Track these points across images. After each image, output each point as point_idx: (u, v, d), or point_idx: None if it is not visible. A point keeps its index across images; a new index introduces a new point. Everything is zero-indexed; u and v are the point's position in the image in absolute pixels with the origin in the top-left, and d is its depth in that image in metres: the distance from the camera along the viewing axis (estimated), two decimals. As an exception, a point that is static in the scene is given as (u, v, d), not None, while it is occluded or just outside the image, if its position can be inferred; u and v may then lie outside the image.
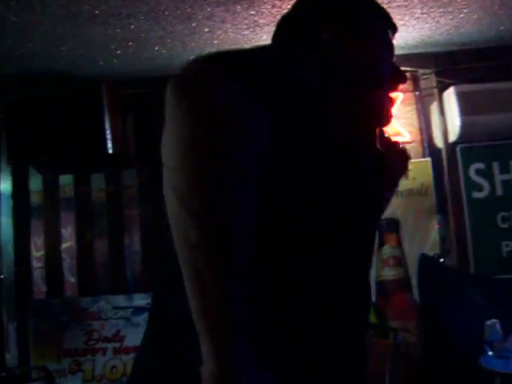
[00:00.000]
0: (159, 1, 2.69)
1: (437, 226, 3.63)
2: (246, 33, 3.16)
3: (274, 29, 3.07)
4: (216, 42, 3.23)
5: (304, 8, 1.27)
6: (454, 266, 3.57)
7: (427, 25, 3.28)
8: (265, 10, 2.90)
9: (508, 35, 3.57)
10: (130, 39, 3.12)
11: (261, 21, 3.02)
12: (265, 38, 3.23)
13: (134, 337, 3.32)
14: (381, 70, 1.22)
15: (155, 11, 2.80)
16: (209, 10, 2.84)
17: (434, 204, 3.63)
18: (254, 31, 3.14)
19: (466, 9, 3.12)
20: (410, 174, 3.60)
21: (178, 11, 2.82)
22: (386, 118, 1.26)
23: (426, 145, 3.75)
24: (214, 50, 3.28)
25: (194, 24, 2.98)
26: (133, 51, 3.29)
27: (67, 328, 3.37)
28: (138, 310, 3.36)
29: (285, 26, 1.28)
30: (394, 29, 1.28)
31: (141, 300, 3.37)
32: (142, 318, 3.34)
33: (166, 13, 2.83)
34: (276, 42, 1.29)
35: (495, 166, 3.72)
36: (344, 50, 1.19)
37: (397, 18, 3.13)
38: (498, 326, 3.12)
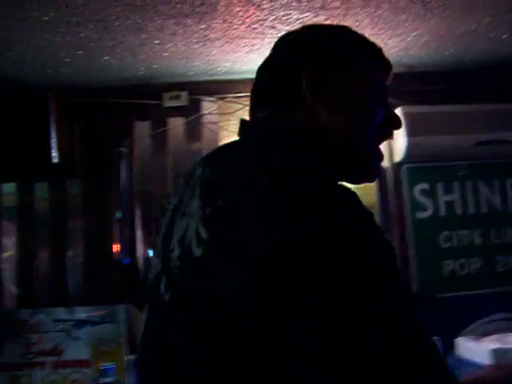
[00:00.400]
0: (109, 10, 2.66)
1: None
2: (196, 47, 3.14)
3: (223, 44, 3.10)
4: (166, 54, 3.21)
5: (283, 51, 1.16)
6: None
7: (376, 46, 3.33)
8: (216, 25, 2.90)
9: (452, 60, 3.67)
10: (80, 48, 3.07)
11: (211, 35, 3.02)
12: (215, 52, 3.23)
13: (74, 351, 3.25)
14: (371, 114, 1.09)
15: (105, 21, 2.76)
16: (159, 22, 2.82)
17: (378, 223, 3.66)
18: (204, 45, 3.13)
19: (414, 32, 3.18)
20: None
21: (129, 22, 2.79)
22: (374, 172, 1.16)
23: (371, 164, 3.78)
24: (164, 62, 3.29)
25: (144, 35, 2.96)
26: (82, 60, 3.24)
27: (5, 341, 3.28)
28: (79, 323, 3.30)
29: (265, 75, 1.16)
30: (388, 69, 1.17)
31: (82, 313, 3.31)
32: (83, 332, 3.28)
33: (116, 23, 2.79)
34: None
35: (439, 186, 3.79)
36: (328, 93, 1.06)
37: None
38: (438, 344, 3.16)
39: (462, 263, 3.76)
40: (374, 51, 1.15)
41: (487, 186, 3.87)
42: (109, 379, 3.06)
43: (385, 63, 1.16)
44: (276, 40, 1.21)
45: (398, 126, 1.15)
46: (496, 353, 2.83)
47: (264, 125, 1.09)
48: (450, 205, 3.80)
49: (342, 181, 1.04)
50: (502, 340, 3.12)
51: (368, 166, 1.12)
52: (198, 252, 0.90)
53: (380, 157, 1.14)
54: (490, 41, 3.43)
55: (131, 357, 3.17)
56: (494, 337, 3.22)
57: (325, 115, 1.05)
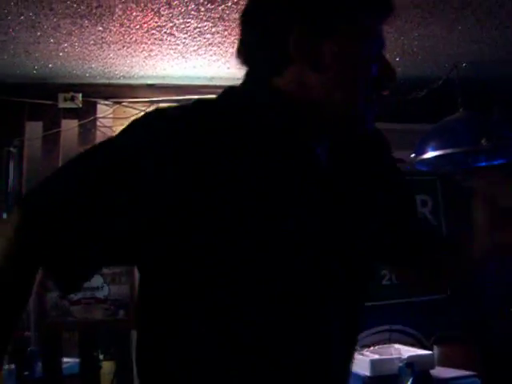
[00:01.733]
0: (1, 4, 2.56)
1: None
2: (92, 48, 3.09)
3: (120, 48, 3.04)
4: (61, 54, 3.13)
5: (269, 5, 1.04)
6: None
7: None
8: (113, 28, 2.86)
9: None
10: (-31, 40, 2.95)
11: (108, 38, 2.97)
12: (112, 55, 3.19)
13: None
14: (362, 73, 1.02)
15: (-3, 14, 2.67)
16: (55, 20, 2.75)
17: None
18: (101, 48, 3.08)
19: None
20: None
21: (22, 17, 2.71)
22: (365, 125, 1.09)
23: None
24: (59, 62, 3.20)
25: (39, 33, 2.88)
26: (-28, 53, 3.11)
27: None
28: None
29: (250, 29, 1.07)
30: (386, 10, 1.05)
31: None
32: None
33: (9, 17, 2.70)
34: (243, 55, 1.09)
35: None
36: (319, 53, 0.99)
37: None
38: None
39: (349, 276, 3.86)
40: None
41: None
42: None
43: (382, 5, 1.05)
44: None
45: (392, 79, 1.06)
46: (374, 364, 2.91)
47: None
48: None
49: (335, 135, 1.09)
50: (382, 351, 3.23)
51: (356, 124, 1.07)
52: None
53: (372, 111, 1.06)
54: (383, 62, 3.55)
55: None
56: (376, 348, 3.32)
57: (311, 77, 1.00)
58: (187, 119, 0.97)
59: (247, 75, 1.08)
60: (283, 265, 0.98)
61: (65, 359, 3.26)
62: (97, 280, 3.34)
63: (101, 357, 3.27)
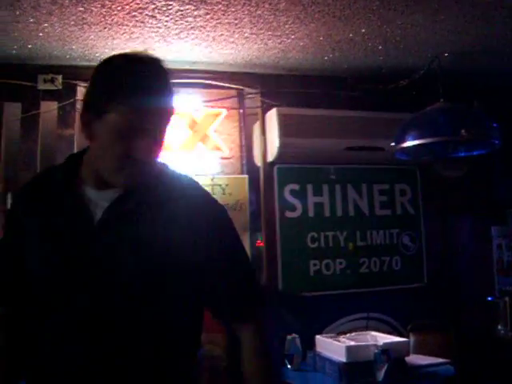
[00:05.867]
0: (-22, -19, 2.53)
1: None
2: (73, 29, 3.04)
3: (102, 29, 3.00)
4: (41, 34, 3.08)
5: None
6: (263, 281, 3.65)
7: (256, 45, 3.38)
8: (94, 9, 2.82)
9: (330, 66, 3.78)
10: None
11: (89, 19, 2.93)
12: (93, 37, 3.15)
13: None
14: (112, 144, 1.39)
15: (-26, -8, 2.62)
16: (35, -1, 2.71)
17: (247, 220, 3.73)
18: (82, 29, 3.04)
19: (293, 35, 3.25)
20: (226, 189, 3.71)
21: (1, -5, 2.66)
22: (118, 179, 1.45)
23: (244, 162, 3.85)
24: (39, 42, 3.17)
25: (18, 12, 2.82)
26: None
27: None
28: None
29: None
30: (130, 103, 1.37)
31: None
32: None
33: (-14, -5, 2.66)
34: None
35: (309, 188, 3.89)
36: (90, 128, 1.40)
37: (226, 35, 3.20)
38: (297, 341, 3.25)
39: (327, 263, 3.88)
40: (129, 99, 1.38)
41: (355, 190, 4.01)
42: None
43: (131, 102, 1.38)
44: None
45: (135, 152, 1.40)
46: (350, 350, 2.93)
47: None
48: (318, 206, 3.91)
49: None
50: (358, 338, 3.25)
51: (115, 176, 1.43)
52: None
53: (129, 168, 1.41)
54: (366, 50, 3.56)
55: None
56: (353, 335, 3.34)
57: (91, 144, 1.45)
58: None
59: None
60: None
61: None
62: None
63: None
